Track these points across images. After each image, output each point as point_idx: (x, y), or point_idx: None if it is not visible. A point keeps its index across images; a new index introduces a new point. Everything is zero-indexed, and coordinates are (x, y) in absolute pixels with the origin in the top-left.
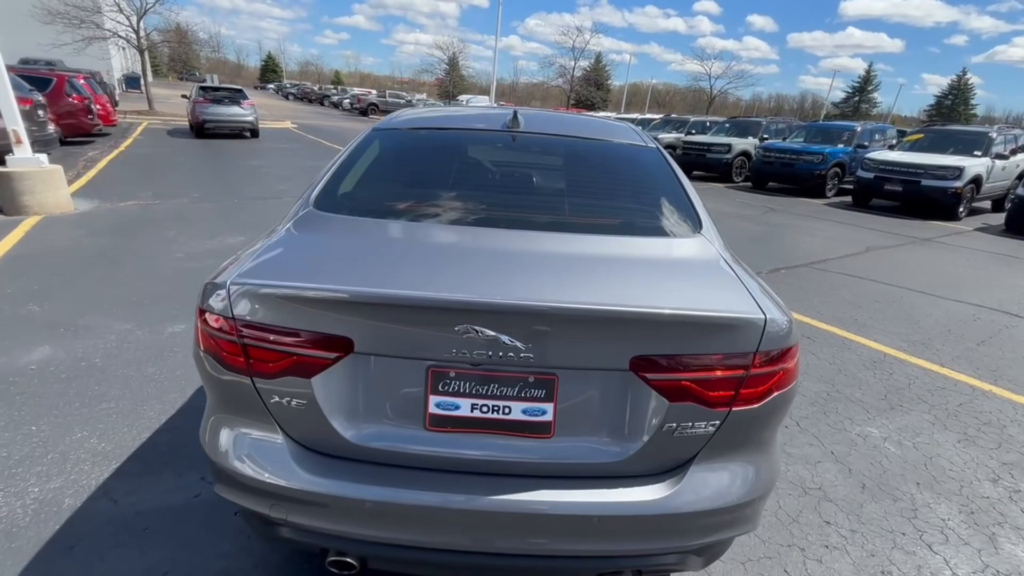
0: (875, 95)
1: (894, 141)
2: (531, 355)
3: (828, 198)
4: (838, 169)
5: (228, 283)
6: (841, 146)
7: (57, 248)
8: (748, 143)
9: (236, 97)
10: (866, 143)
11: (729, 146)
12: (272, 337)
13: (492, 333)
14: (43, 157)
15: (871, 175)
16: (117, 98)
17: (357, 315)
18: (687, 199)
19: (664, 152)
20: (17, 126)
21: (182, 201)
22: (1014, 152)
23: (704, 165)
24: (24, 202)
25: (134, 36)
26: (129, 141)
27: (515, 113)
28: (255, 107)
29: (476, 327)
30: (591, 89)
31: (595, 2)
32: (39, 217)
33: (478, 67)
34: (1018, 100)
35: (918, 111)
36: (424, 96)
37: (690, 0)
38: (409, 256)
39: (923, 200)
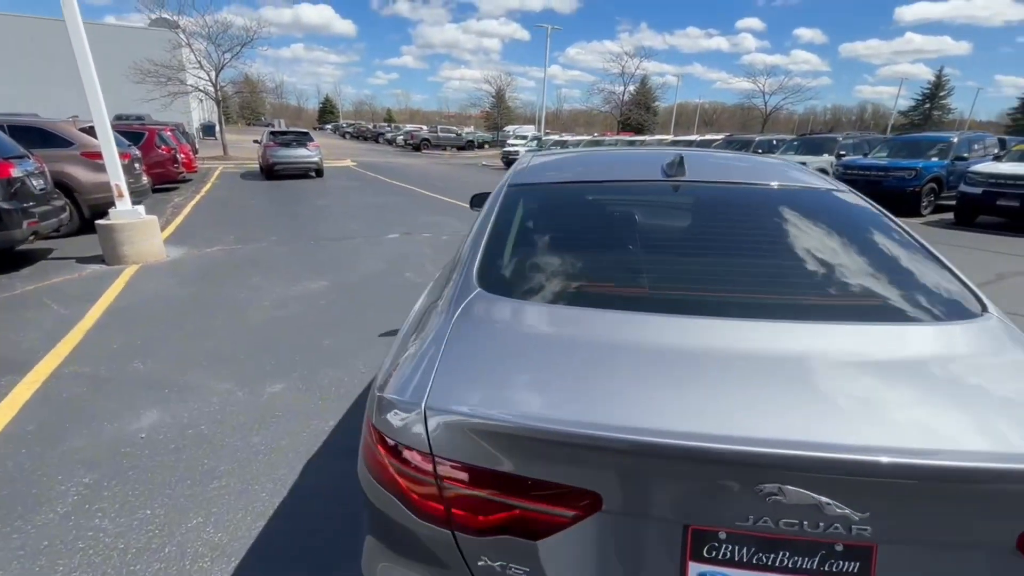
0: (947, 101)
1: (996, 151)
2: (866, 527)
3: (924, 216)
4: (934, 185)
5: (423, 406)
6: (936, 159)
7: (155, 297)
8: (824, 161)
9: (302, 140)
10: (964, 155)
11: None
12: (487, 486)
13: (814, 497)
14: (140, 208)
15: (979, 190)
16: (197, 146)
17: (612, 463)
18: (938, 262)
19: (864, 197)
20: (120, 180)
21: (261, 245)
22: None
23: None
24: (124, 252)
25: (212, 89)
26: (208, 186)
27: (680, 158)
28: (320, 148)
29: (789, 486)
30: (640, 112)
31: (635, 28)
32: (137, 266)
33: (524, 98)
34: None
35: (997, 115)
36: (472, 129)
37: (732, 17)
38: (652, 370)
39: None
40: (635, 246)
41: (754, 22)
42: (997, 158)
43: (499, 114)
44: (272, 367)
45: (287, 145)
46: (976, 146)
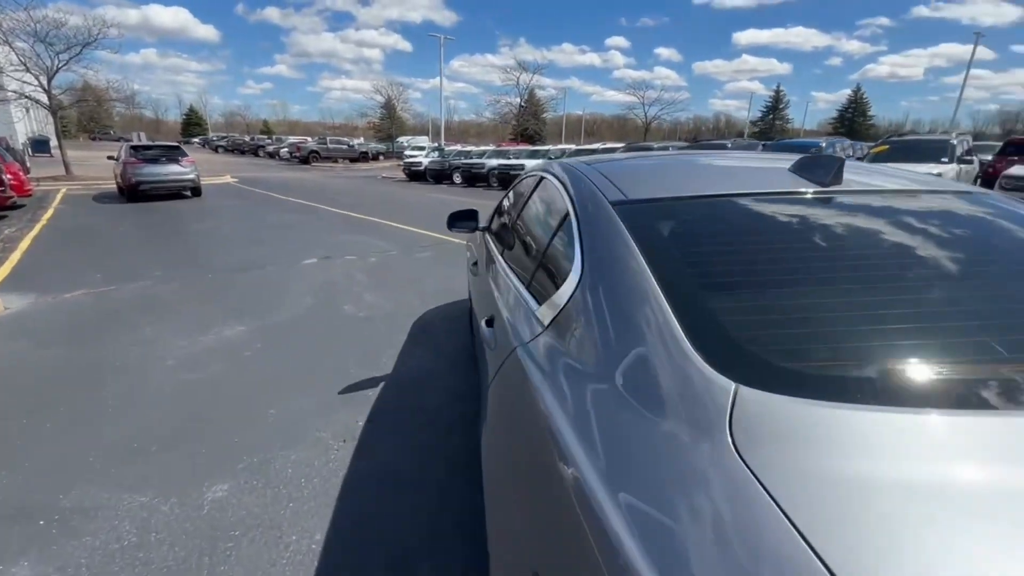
0: (786, 112)
1: (862, 154)
2: None
3: None
4: None
5: None
6: None
7: None
8: None
9: (173, 154)
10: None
11: None
12: None
13: None
14: None
15: None
16: (28, 164)
17: None
18: None
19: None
20: None
21: (144, 283)
22: (968, 155)
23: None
24: None
25: (44, 97)
26: (50, 212)
27: (830, 161)
28: (195, 164)
29: None
30: (536, 122)
31: (514, 42)
32: None
33: (414, 108)
34: (891, 110)
35: (817, 124)
36: (362, 140)
37: (602, 36)
38: None
39: None
40: (877, 287)
41: (621, 40)
42: (860, 159)
43: (392, 125)
44: (204, 457)
45: (154, 161)
46: (837, 148)
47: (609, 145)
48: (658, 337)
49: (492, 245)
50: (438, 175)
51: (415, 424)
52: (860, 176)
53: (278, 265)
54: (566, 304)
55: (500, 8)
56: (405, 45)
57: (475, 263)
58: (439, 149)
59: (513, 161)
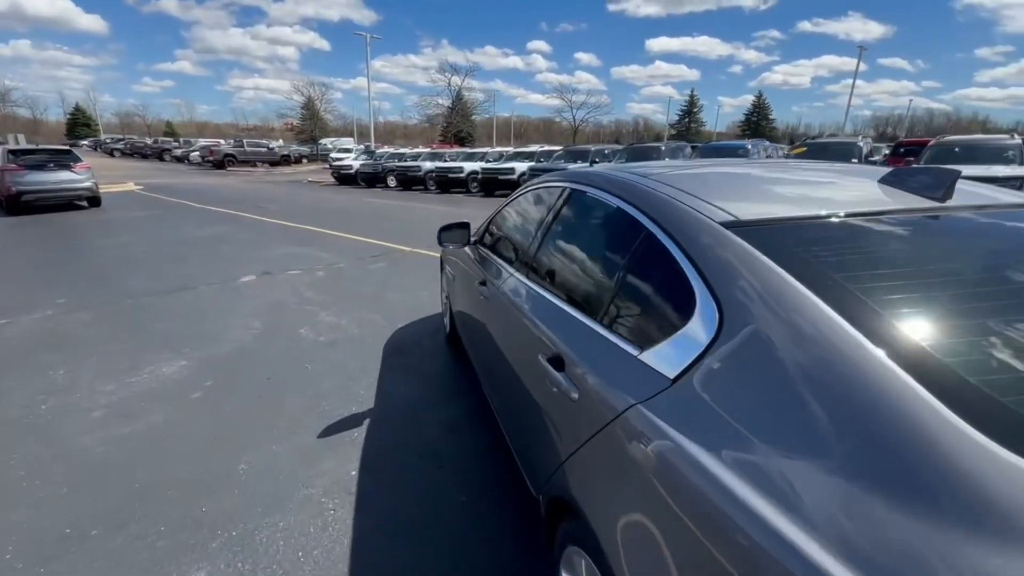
0: (700, 116)
1: (782, 154)
2: None
3: None
4: None
5: None
6: None
7: None
8: (583, 166)
9: (64, 160)
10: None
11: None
12: None
13: None
14: None
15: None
16: None
17: None
18: None
19: None
20: None
21: (45, 313)
22: (871, 156)
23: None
24: None
25: None
26: None
27: (952, 179)
28: (91, 170)
29: None
30: (468, 124)
31: (437, 44)
32: None
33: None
34: (786, 114)
35: (726, 127)
36: (280, 142)
37: (523, 39)
38: None
39: None
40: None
41: (542, 44)
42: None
43: (314, 126)
44: (167, 541)
45: (40, 168)
46: (760, 149)
47: (547, 148)
48: (896, 398)
49: (501, 264)
50: (371, 178)
51: (417, 467)
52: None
53: (211, 285)
54: (705, 353)
55: (421, 8)
56: (323, 44)
57: (460, 279)
58: (369, 151)
59: (451, 164)
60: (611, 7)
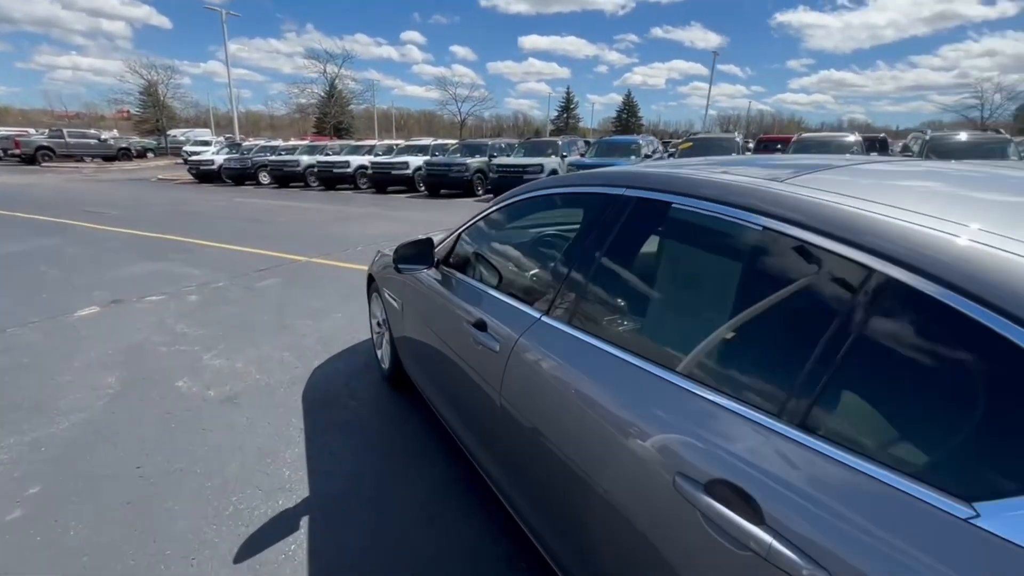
0: (577, 112)
1: (670, 151)
2: None
3: None
4: None
5: None
6: (633, 158)
7: None
8: (553, 162)
9: None
10: (650, 155)
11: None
12: None
13: None
14: None
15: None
16: None
17: None
18: None
19: None
20: None
21: None
22: (746, 149)
23: (450, 183)
24: None
25: None
26: None
27: None
28: None
29: None
30: (340, 113)
31: (301, 28)
32: None
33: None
34: (646, 112)
35: (599, 123)
36: (115, 133)
37: (397, 29)
38: None
39: None
40: None
41: (416, 35)
42: (671, 155)
43: (160, 115)
44: None
45: None
46: (645, 144)
47: (440, 141)
48: None
49: (519, 306)
50: (239, 175)
51: None
52: None
53: (32, 325)
54: None
55: None
56: (161, 20)
57: (422, 311)
58: (234, 144)
59: (335, 158)
60: (483, 2)
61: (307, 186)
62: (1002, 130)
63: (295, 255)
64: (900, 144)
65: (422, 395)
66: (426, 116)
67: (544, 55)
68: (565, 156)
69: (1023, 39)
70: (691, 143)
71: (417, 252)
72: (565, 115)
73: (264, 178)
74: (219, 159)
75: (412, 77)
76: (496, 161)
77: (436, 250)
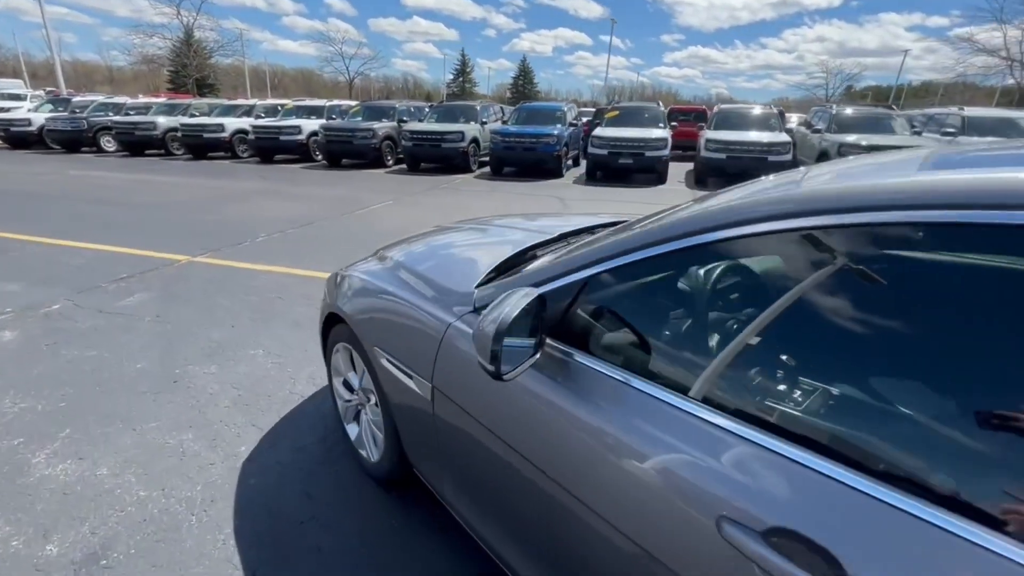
0: (473, 76)
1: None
2: None
3: (565, 176)
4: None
5: None
6: (559, 126)
7: None
8: (473, 129)
9: None
10: (575, 122)
11: (372, 131)
12: None
13: None
14: None
15: (604, 151)
16: None
17: None
18: None
19: None
20: None
21: None
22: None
23: (356, 151)
24: None
25: None
26: None
27: None
28: None
29: None
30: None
31: None
32: None
33: None
34: (538, 81)
35: (493, 89)
36: None
37: None
38: None
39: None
40: None
41: None
42: (596, 124)
43: None
44: None
45: None
46: (568, 110)
47: (346, 103)
48: None
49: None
50: (71, 139)
51: None
52: None
53: None
54: None
55: None
56: None
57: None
58: (61, 100)
59: (205, 120)
60: None
61: (169, 154)
62: (894, 107)
63: (170, 253)
64: (795, 117)
65: (453, 514)
66: (304, 74)
67: (430, 14)
68: (485, 123)
69: (846, 27)
70: (617, 111)
71: (522, 323)
72: (461, 79)
73: (108, 144)
74: (39, 118)
75: (283, 30)
76: (409, 127)
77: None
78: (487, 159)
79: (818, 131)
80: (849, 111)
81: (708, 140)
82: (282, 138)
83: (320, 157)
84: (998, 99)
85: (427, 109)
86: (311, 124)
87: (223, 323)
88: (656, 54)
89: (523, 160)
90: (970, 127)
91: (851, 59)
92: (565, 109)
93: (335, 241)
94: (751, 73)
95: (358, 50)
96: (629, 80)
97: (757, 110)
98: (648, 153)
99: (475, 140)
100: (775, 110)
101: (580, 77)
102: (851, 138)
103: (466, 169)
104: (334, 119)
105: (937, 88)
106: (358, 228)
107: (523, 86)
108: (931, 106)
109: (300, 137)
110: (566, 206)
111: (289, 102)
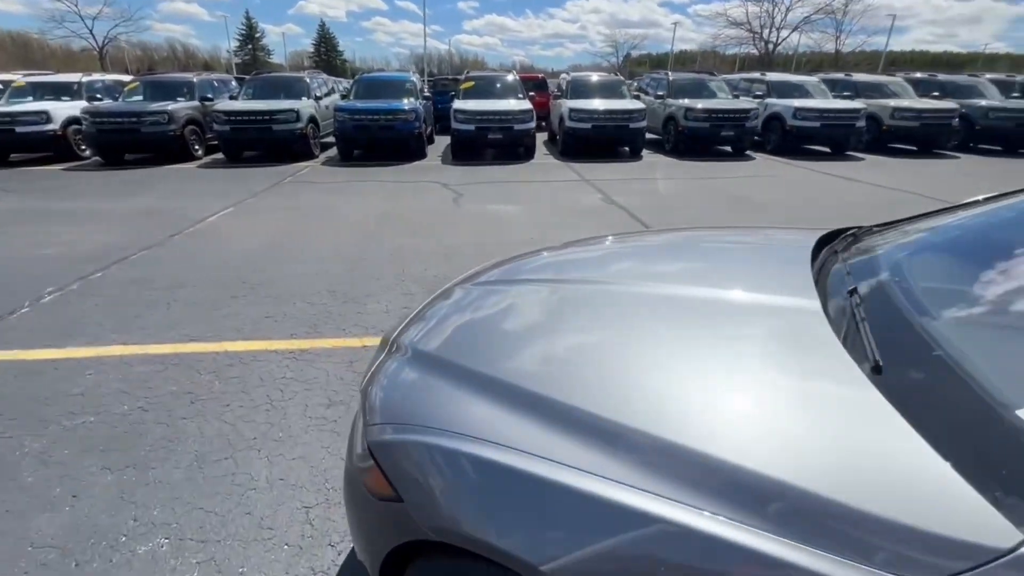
0: (265, 43)
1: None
2: None
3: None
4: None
5: None
6: (411, 100)
7: None
8: (307, 105)
9: None
10: (430, 95)
11: (168, 114)
12: None
13: None
14: None
15: (472, 127)
16: None
17: None
18: None
19: None
20: None
21: None
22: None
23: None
24: None
25: None
26: None
27: None
28: None
29: None
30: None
31: None
32: None
33: None
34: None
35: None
36: None
37: None
38: None
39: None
40: None
41: None
42: (454, 95)
43: None
44: None
45: None
46: (415, 81)
47: (100, 77)
48: None
49: None
50: None
51: None
52: None
53: None
54: None
55: None
56: None
57: None
58: None
59: None
60: None
61: None
62: (618, 72)
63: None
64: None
65: None
66: (16, 39)
67: None
68: (320, 98)
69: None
70: (472, 81)
71: None
72: (251, 46)
73: None
74: None
75: None
76: (221, 107)
77: None
78: (330, 141)
79: (660, 97)
80: (682, 78)
81: (572, 110)
82: (20, 130)
83: (89, 153)
84: (738, 65)
85: (234, 83)
86: (65, 108)
87: (60, 504)
88: (456, 21)
89: (379, 140)
90: (773, 90)
91: (629, 30)
92: (414, 79)
93: (188, 284)
94: (544, 41)
95: (102, 9)
96: (435, 48)
97: (604, 77)
98: (517, 127)
99: (313, 119)
100: (619, 76)
101: (382, 45)
102: (688, 101)
103: (308, 155)
104: (100, 99)
105: (694, 56)
106: (210, 256)
107: (326, 54)
108: (692, 71)
109: (51, 127)
110: (460, 195)
111: (18, 77)
